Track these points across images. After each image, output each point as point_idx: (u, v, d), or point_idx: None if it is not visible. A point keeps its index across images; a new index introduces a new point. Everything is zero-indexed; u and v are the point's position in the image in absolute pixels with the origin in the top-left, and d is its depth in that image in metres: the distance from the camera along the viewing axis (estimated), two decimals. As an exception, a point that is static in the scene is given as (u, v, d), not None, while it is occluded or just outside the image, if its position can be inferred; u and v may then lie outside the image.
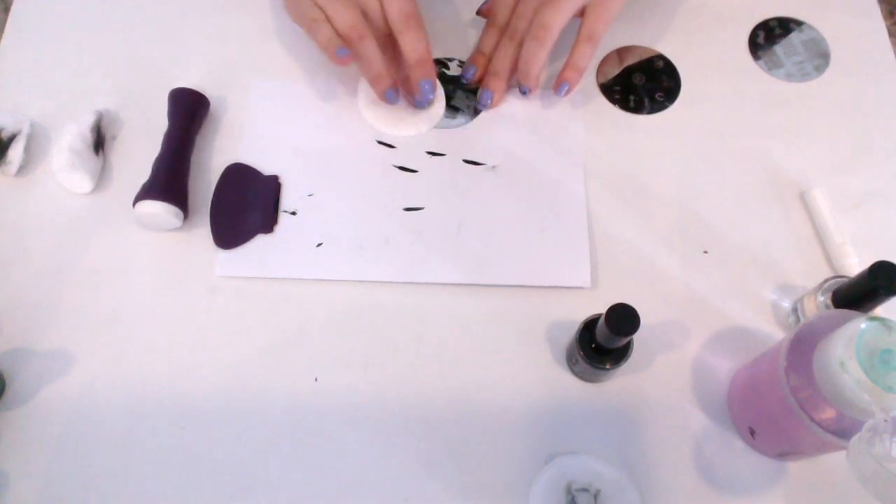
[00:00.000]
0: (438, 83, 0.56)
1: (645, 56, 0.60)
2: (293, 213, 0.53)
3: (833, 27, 0.61)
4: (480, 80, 0.57)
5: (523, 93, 0.55)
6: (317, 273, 0.51)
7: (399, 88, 0.54)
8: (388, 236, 0.52)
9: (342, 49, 0.50)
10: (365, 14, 0.50)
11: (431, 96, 0.55)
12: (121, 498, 0.45)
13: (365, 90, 0.57)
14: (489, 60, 0.57)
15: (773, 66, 0.59)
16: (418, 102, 0.55)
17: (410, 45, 0.51)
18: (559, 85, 0.55)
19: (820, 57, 0.60)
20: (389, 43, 0.53)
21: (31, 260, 0.51)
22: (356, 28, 0.50)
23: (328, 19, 0.50)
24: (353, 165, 0.55)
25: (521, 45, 0.54)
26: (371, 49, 0.50)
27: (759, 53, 0.60)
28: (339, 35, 0.50)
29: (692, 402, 0.47)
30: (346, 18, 0.50)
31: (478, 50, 0.57)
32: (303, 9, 0.51)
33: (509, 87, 0.57)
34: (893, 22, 1.30)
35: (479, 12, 0.59)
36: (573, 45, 0.54)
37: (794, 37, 0.61)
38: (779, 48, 0.60)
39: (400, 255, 0.51)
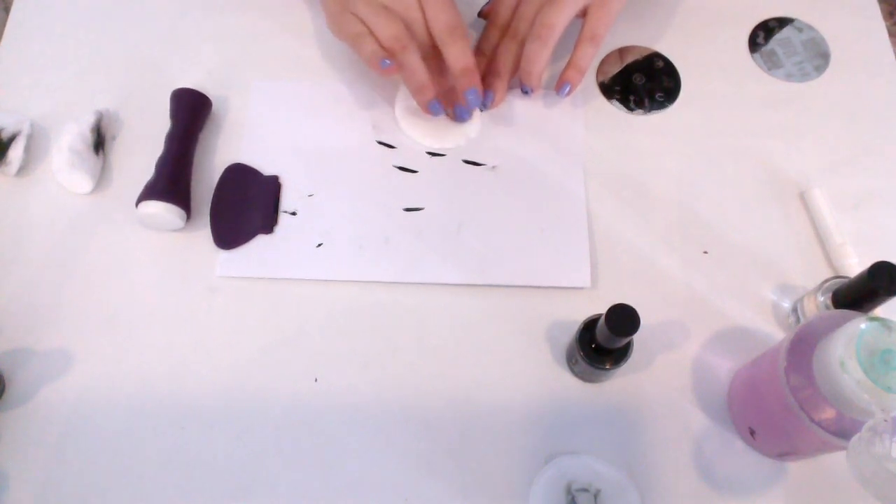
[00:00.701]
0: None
1: (645, 55, 0.60)
2: (293, 214, 0.53)
3: (833, 27, 0.61)
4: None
5: (525, 92, 0.55)
6: (317, 273, 0.51)
7: (440, 100, 0.54)
8: (388, 236, 0.52)
9: (385, 60, 0.50)
10: (409, 27, 0.51)
11: (477, 105, 0.54)
12: (121, 498, 0.45)
13: (403, 101, 0.57)
14: (489, 60, 0.57)
15: (773, 66, 0.59)
16: (461, 113, 0.54)
17: (455, 56, 0.51)
18: (561, 85, 0.55)
19: (820, 57, 0.60)
20: (432, 56, 0.53)
21: (31, 260, 0.51)
22: (399, 40, 0.50)
23: (371, 33, 0.51)
24: (354, 165, 0.55)
25: (522, 44, 0.54)
26: (414, 60, 0.51)
27: (759, 53, 0.60)
28: (382, 48, 0.50)
29: (692, 402, 0.47)
30: (389, 31, 0.50)
31: (477, 50, 0.57)
32: (346, 24, 0.51)
33: (510, 88, 0.57)
34: (893, 22, 1.30)
35: (480, 14, 0.59)
36: (575, 46, 0.54)
37: (794, 37, 0.61)
38: (779, 48, 0.60)
39: (400, 255, 0.51)
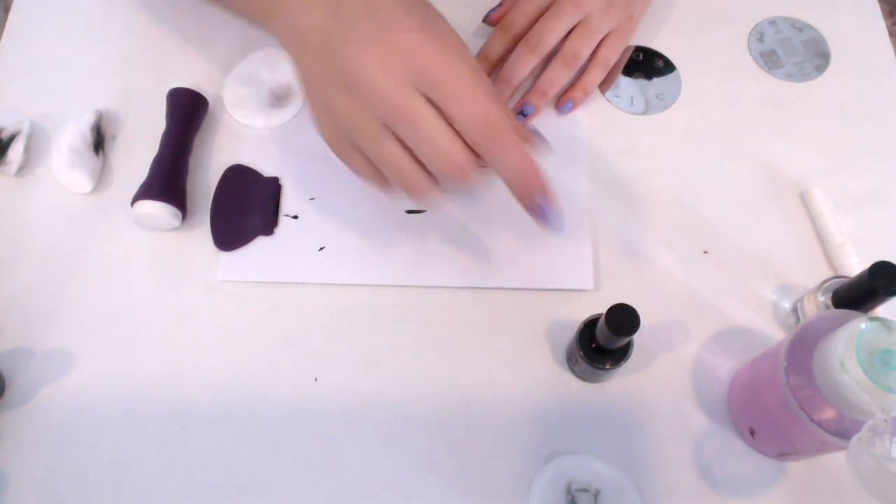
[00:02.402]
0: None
1: (645, 55, 0.60)
2: (295, 217, 0.53)
3: (833, 27, 0.61)
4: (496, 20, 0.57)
5: (525, 115, 0.55)
6: (319, 277, 0.51)
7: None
8: (389, 239, 0.52)
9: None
10: (428, 144, 0.38)
11: (559, 228, 0.42)
12: (121, 498, 0.45)
13: (231, 85, 0.57)
14: (494, 66, 0.56)
15: (773, 66, 0.59)
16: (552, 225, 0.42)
17: (507, 165, 0.39)
18: (564, 102, 0.56)
19: (820, 57, 0.60)
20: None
21: (31, 260, 0.51)
22: (413, 185, 0.40)
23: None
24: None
25: (540, 57, 0.54)
26: (429, 189, 0.40)
27: (759, 53, 0.60)
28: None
29: (692, 402, 0.47)
30: (398, 177, 0.40)
31: (482, 55, 0.57)
32: (344, 154, 0.42)
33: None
34: (893, 22, 1.30)
35: (486, 20, 0.58)
36: (586, 69, 0.56)
37: (794, 37, 0.61)
38: (779, 48, 0.60)
39: (402, 258, 0.51)
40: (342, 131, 0.40)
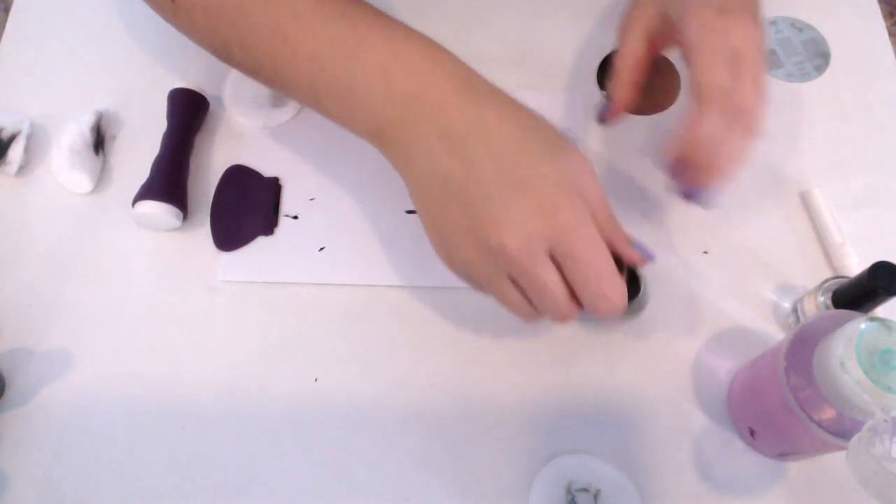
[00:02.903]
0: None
1: (645, 56, 0.60)
2: (295, 218, 0.53)
3: (833, 27, 0.61)
4: (611, 116, 0.50)
5: (697, 199, 0.46)
6: (319, 277, 0.51)
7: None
8: (389, 239, 0.52)
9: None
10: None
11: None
12: (121, 498, 0.45)
13: (231, 86, 0.57)
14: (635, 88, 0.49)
15: (773, 66, 0.59)
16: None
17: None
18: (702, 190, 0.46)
19: (820, 57, 0.60)
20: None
21: (31, 260, 0.51)
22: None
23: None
24: (354, 167, 0.55)
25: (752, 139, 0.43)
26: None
27: (759, 53, 0.60)
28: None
29: (692, 402, 0.47)
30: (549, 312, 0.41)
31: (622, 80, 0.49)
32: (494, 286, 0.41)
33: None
34: (893, 22, 1.30)
35: (601, 121, 0.52)
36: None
37: (794, 37, 0.61)
38: (779, 48, 0.60)
39: (402, 258, 0.51)
40: (463, 270, 0.41)
